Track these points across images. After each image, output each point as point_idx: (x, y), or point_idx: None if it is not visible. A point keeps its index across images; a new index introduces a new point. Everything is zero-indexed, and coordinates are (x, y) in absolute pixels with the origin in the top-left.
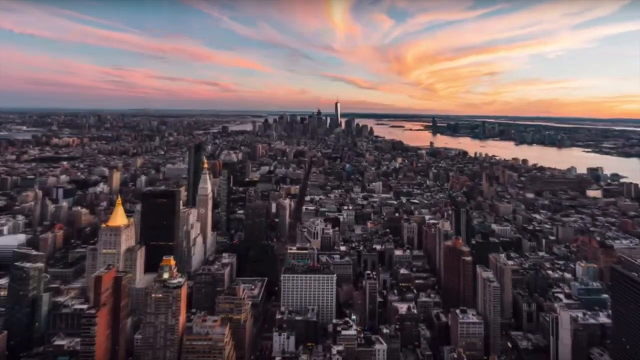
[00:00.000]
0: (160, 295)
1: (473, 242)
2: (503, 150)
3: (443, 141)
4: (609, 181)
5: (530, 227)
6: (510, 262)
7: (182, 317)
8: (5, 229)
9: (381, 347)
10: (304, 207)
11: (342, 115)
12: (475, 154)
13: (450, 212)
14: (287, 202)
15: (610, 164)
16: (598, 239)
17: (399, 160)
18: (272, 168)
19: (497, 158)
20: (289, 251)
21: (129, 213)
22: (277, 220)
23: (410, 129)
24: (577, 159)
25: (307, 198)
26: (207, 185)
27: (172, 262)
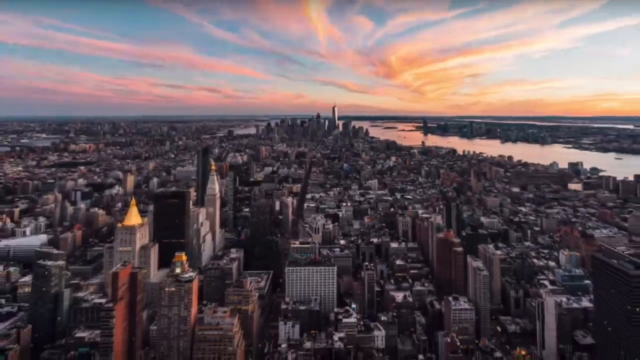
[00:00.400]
0: (173, 289)
1: (463, 234)
2: (490, 148)
3: (434, 141)
4: (588, 175)
5: (516, 219)
6: (498, 252)
7: (194, 309)
8: (27, 230)
9: (380, 333)
10: (305, 205)
11: (339, 118)
12: (464, 152)
13: (441, 206)
14: (289, 200)
15: (590, 159)
16: (579, 228)
17: (393, 159)
18: (275, 169)
19: (484, 155)
20: (292, 246)
21: (142, 213)
22: (280, 217)
23: (403, 130)
24: (559, 155)
25: (308, 196)
26: (214, 186)
27: (184, 258)
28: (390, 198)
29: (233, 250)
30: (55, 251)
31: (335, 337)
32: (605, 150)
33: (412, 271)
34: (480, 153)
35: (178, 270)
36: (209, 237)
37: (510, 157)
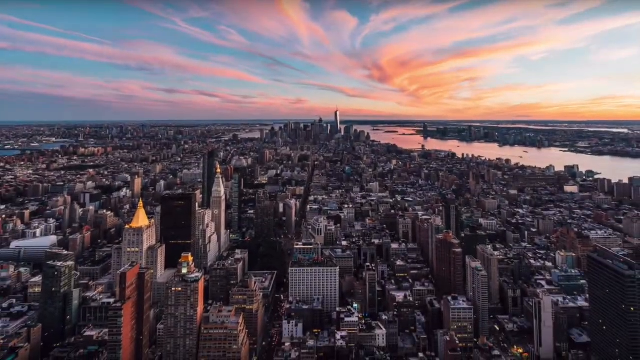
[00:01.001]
0: (180, 289)
1: (462, 235)
2: (488, 151)
3: (433, 144)
4: (584, 177)
5: (514, 221)
6: (496, 253)
7: (200, 308)
8: (38, 231)
9: (381, 332)
10: (308, 207)
11: (342, 123)
12: (463, 155)
13: (441, 208)
14: (293, 202)
15: (585, 162)
16: (575, 230)
17: (394, 162)
18: (279, 171)
19: (483, 158)
20: (295, 246)
21: (149, 215)
22: (284, 218)
23: (404, 134)
24: (556, 158)
25: (311, 198)
26: (220, 189)
27: (190, 259)
28: (391, 200)
29: (238, 251)
30: (64, 252)
31: (338, 336)
32: (600, 153)
33: (412, 271)
34: (479, 156)
35: (184, 271)
36: (214, 238)
37: (508, 160)
